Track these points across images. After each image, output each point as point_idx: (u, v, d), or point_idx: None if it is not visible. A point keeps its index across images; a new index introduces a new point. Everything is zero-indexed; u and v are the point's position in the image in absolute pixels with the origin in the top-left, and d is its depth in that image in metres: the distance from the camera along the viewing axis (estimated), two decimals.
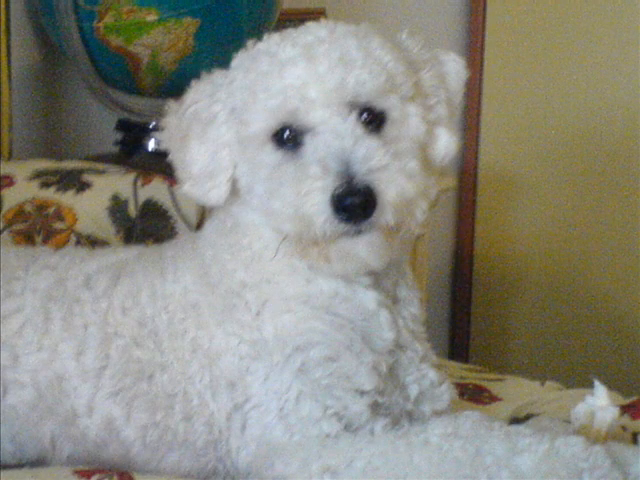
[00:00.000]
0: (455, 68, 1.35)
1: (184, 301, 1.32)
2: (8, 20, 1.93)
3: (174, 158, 1.33)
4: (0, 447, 1.30)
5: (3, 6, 1.91)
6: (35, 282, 1.38)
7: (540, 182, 3.03)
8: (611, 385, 1.54)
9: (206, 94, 1.31)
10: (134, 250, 1.50)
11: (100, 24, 1.92)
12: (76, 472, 1.21)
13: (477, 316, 3.19)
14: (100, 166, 1.88)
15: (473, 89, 3.11)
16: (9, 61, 1.96)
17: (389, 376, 1.30)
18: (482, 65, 3.15)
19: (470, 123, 3.13)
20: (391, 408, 1.29)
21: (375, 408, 1.25)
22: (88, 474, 1.21)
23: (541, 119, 3.06)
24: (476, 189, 3.16)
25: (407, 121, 1.25)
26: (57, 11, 1.96)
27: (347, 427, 1.22)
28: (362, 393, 1.24)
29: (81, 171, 1.83)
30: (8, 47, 1.96)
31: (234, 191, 1.31)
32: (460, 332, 3.22)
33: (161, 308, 1.33)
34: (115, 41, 1.93)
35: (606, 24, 3.03)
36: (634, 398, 1.65)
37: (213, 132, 1.29)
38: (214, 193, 1.29)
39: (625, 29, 3.00)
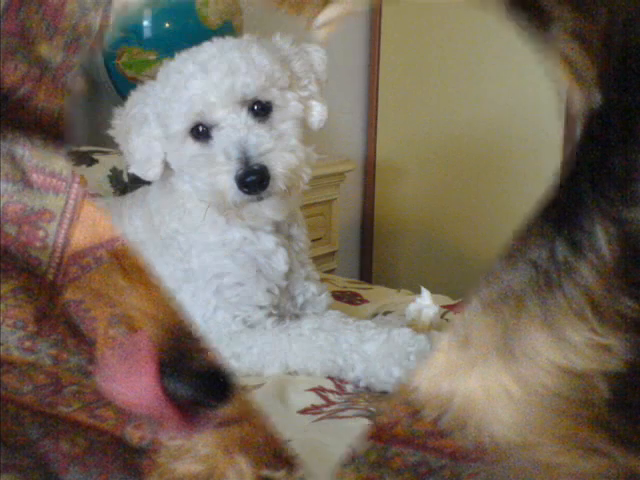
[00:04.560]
0: (318, 55, 1.61)
1: (135, 239, 1.60)
2: None
3: (122, 148, 1.60)
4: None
5: None
6: None
7: (419, 167, 3.63)
8: (449, 293, 2.02)
9: (140, 100, 1.58)
10: (104, 200, 1.82)
11: (119, 62, 2.44)
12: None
13: (377, 259, 3.83)
14: (105, 149, 2.26)
15: (372, 100, 3.71)
16: None
17: (283, 292, 1.60)
18: (378, 84, 3.70)
19: (370, 125, 3.75)
20: (284, 312, 1.60)
21: (270, 315, 1.55)
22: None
23: (422, 125, 3.60)
24: (375, 171, 3.75)
25: (288, 105, 1.52)
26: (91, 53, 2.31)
27: (249, 327, 1.52)
28: (261, 307, 1.54)
29: (92, 152, 2.23)
30: None
31: (168, 167, 1.58)
32: (365, 268, 3.86)
33: None
34: (129, 73, 2.44)
35: (488, 48, 3.36)
36: (458, 300, 1.98)
37: (146, 129, 1.55)
38: (151, 172, 1.57)
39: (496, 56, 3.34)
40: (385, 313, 1.84)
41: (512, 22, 0.72)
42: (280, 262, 1.60)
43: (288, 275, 1.62)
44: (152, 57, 2.43)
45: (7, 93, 1.30)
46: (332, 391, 1.41)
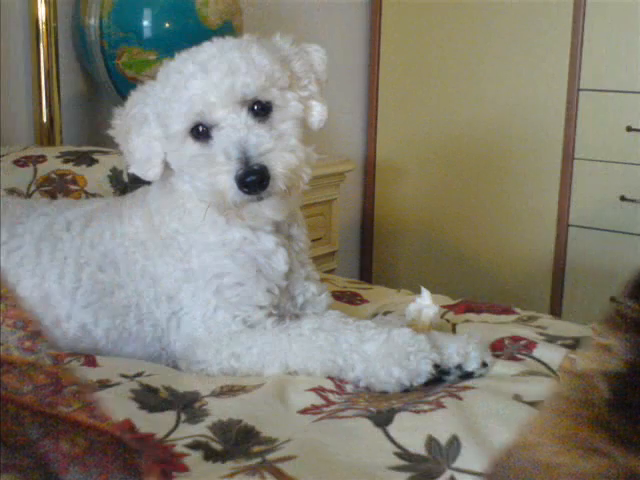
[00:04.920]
0: (318, 55, 1.62)
1: (135, 239, 1.61)
2: (57, 61, 2.49)
3: (122, 148, 1.60)
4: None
5: (54, 50, 2.48)
6: (32, 226, 1.65)
7: (419, 167, 3.65)
8: (449, 293, 2.02)
9: (140, 100, 1.58)
10: (104, 200, 1.80)
11: (119, 62, 2.48)
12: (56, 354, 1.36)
13: (377, 259, 3.84)
14: (105, 149, 2.27)
15: (372, 100, 3.73)
16: (59, 91, 2.50)
17: (283, 292, 1.60)
18: (378, 84, 3.71)
19: (370, 125, 3.76)
20: (284, 312, 1.60)
21: (270, 315, 1.55)
22: (63, 356, 1.46)
23: (422, 125, 3.61)
24: (375, 171, 3.77)
25: (288, 105, 1.52)
26: (91, 54, 2.54)
27: (249, 327, 1.53)
28: (261, 307, 1.55)
29: (92, 152, 2.24)
30: (58, 81, 2.50)
31: (168, 167, 1.58)
32: (365, 268, 3.87)
33: (119, 244, 1.62)
34: (129, 73, 2.49)
35: (489, 48, 3.39)
36: (458, 300, 1.97)
37: (146, 129, 1.56)
38: (151, 172, 1.58)
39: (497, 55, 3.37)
40: (385, 313, 1.84)
41: None
42: (280, 262, 1.61)
43: (288, 275, 1.63)
44: (152, 57, 2.45)
45: None
46: (332, 391, 1.42)
